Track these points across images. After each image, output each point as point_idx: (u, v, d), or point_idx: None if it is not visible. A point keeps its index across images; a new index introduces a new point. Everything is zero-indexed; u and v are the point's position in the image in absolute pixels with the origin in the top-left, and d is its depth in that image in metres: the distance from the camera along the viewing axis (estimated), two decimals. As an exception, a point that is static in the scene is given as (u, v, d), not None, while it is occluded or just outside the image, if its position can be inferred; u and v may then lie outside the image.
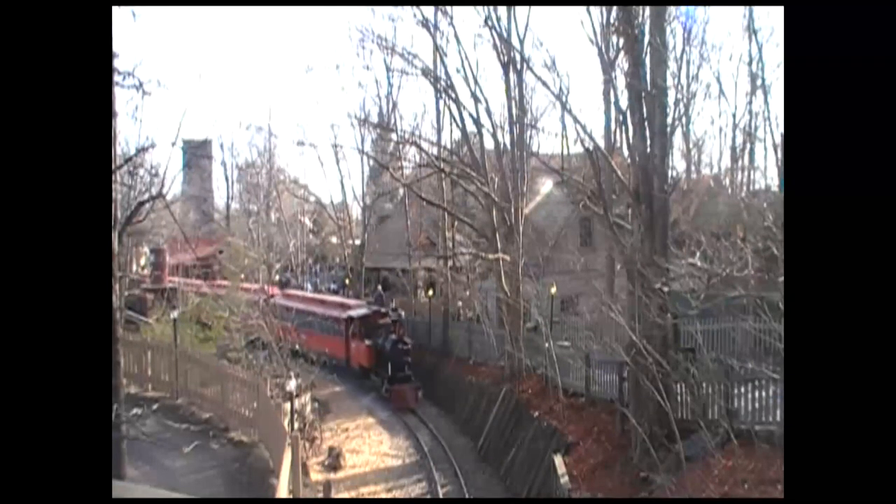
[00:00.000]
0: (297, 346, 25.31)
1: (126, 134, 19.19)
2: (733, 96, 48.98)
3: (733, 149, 34.52)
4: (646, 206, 14.12)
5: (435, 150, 31.66)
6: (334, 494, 17.60)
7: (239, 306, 23.73)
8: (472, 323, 28.50)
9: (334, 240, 51.52)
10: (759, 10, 30.10)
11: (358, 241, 43.42)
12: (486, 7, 22.97)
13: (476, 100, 25.26)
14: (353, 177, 78.53)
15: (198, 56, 76.91)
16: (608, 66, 18.36)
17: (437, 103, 33.83)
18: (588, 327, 21.61)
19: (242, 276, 29.05)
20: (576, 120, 26.28)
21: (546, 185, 33.11)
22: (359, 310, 31.50)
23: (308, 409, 21.93)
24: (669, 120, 14.73)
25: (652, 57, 14.19)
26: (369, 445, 22.87)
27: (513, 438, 20.02)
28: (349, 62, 67.63)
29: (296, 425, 17.60)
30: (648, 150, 14.23)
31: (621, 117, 16.37)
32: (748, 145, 33.72)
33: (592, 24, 17.47)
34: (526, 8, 24.91)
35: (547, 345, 19.97)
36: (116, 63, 10.64)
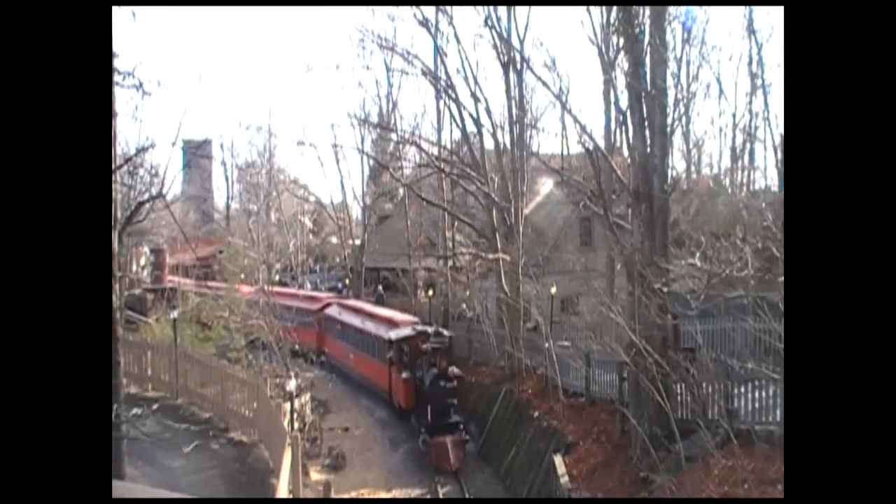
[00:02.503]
0: (296, 346, 25.27)
1: (126, 134, 19.21)
2: (733, 96, 49.27)
3: (733, 149, 34.60)
4: (646, 206, 14.12)
5: (435, 150, 31.70)
6: (334, 494, 17.59)
7: (239, 306, 23.72)
8: (472, 323, 28.47)
9: (334, 240, 51.52)
10: (759, 10, 30.21)
11: (358, 241, 43.42)
12: (486, 7, 23.02)
13: (476, 100, 25.29)
14: (353, 177, 78.92)
15: (198, 56, 76.93)
16: (608, 66, 18.39)
17: (437, 103, 33.93)
18: (588, 327, 21.61)
19: (242, 276, 28.89)
20: (576, 120, 26.53)
21: (546, 185, 33.12)
22: (402, 329, 25.14)
23: (308, 408, 21.93)
24: (669, 120, 14.73)
25: (652, 57, 14.19)
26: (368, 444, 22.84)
27: (513, 438, 20.01)
28: (349, 62, 67.84)
29: (296, 425, 17.63)
30: (648, 150, 14.23)
31: (621, 117, 16.39)
32: (748, 145, 33.81)
33: (592, 24, 17.62)
34: (526, 8, 24.99)
35: (547, 345, 19.96)
36: (116, 63, 10.63)
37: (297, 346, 25.42)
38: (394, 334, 24.67)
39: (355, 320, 29.06)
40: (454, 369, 22.36)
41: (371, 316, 28.61)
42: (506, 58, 24.07)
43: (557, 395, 18.89)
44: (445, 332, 24.02)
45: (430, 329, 24.19)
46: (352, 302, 33.51)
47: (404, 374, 23.28)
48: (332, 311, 31.89)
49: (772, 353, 13.35)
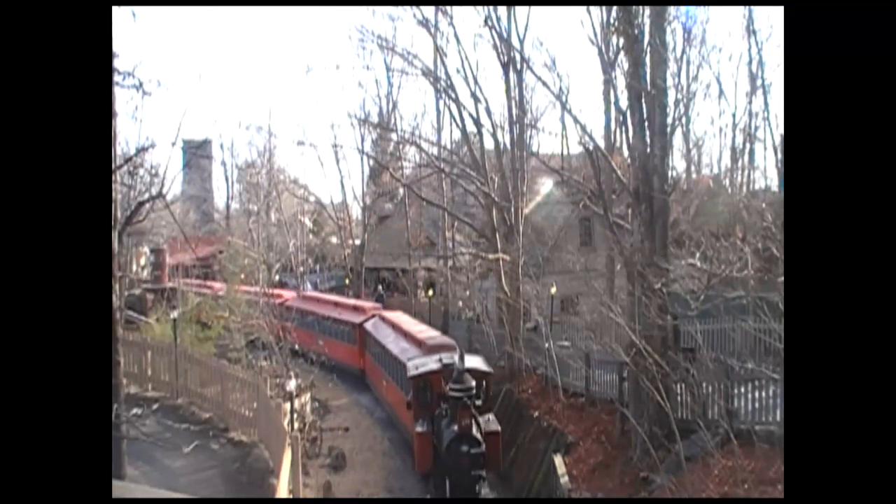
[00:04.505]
0: (296, 346, 25.15)
1: (126, 134, 19.21)
2: (733, 96, 49.34)
3: (733, 149, 34.59)
4: (646, 206, 14.12)
5: (435, 150, 31.76)
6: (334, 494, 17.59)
7: (239, 306, 23.70)
8: (472, 323, 28.45)
9: (334, 240, 51.53)
10: (759, 10, 30.17)
11: (358, 241, 43.43)
12: (486, 7, 23.03)
13: (476, 100, 25.30)
14: (353, 177, 78.86)
15: (198, 56, 77.00)
16: (608, 66, 18.39)
17: (437, 103, 34.01)
18: (588, 327, 21.61)
19: (242, 276, 28.82)
20: (576, 120, 26.48)
21: (546, 185, 33.15)
22: (426, 360, 18.81)
23: (308, 408, 21.92)
24: (669, 120, 14.73)
25: (652, 57, 14.20)
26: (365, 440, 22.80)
27: (512, 438, 20.00)
28: (349, 62, 67.93)
29: (296, 425, 17.62)
30: (648, 150, 14.23)
31: (621, 117, 16.40)
32: (748, 145, 33.79)
33: (592, 24, 17.54)
34: (526, 8, 25.00)
35: (547, 345, 19.96)
36: (116, 63, 10.64)
37: (323, 358, 23.54)
38: (413, 367, 18.41)
39: (386, 338, 23.97)
40: (490, 422, 16.74)
41: (405, 335, 22.95)
42: (506, 58, 24.08)
43: (557, 395, 18.89)
44: (479, 368, 17.41)
45: (459, 362, 16.42)
46: (393, 315, 27.39)
47: (419, 428, 17.03)
48: (372, 324, 27.22)
49: (772, 353, 13.37)
